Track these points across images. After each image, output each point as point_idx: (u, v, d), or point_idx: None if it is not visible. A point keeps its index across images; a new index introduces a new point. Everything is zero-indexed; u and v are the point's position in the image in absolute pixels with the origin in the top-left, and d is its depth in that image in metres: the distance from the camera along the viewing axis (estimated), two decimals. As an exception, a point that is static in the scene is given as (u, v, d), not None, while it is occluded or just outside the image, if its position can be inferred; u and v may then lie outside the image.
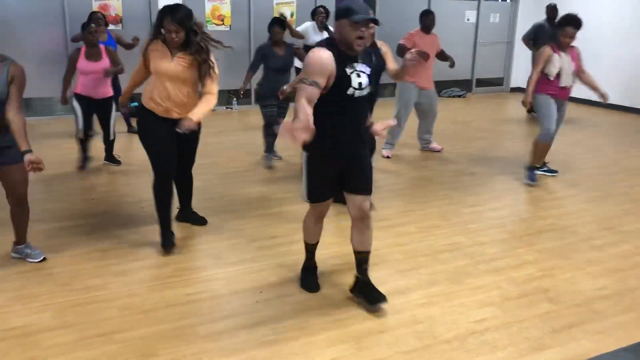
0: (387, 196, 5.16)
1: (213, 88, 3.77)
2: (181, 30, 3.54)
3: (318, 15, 7.65)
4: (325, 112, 2.84)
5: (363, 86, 2.91)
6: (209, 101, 3.77)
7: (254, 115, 9.08)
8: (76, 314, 3.13)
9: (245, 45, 9.30)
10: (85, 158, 5.81)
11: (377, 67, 3.33)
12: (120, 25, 8.29)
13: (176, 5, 3.60)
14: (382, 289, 3.23)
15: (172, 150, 3.83)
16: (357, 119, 3.01)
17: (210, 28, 9.02)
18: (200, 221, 4.39)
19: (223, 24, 9.14)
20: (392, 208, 4.86)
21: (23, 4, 7.87)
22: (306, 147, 2.95)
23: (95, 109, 5.65)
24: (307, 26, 7.81)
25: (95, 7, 8.13)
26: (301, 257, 3.54)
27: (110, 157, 5.98)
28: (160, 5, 8.32)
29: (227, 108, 9.44)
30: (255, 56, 5.87)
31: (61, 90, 5.73)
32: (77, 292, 3.37)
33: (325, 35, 7.59)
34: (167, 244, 3.90)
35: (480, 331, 3.05)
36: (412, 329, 3.06)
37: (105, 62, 5.55)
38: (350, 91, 2.86)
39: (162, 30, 3.60)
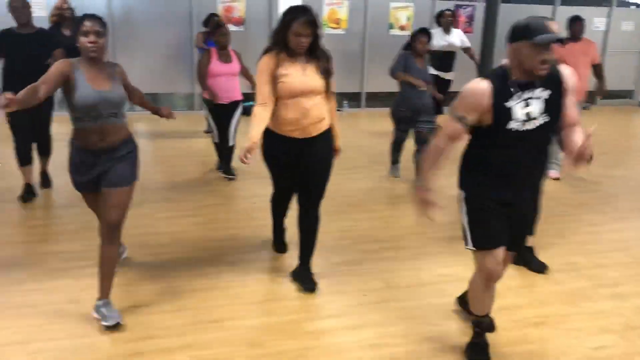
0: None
1: (333, 99, 3.44)
2: (312, 34, 3.15)
3: (444, 17, 7.42)
4: (484, 145, 2.55)
5: (533, 116, 2.46)
6: (335, 114, 3.46)
7: (364, 118, 9.18)
8: (191, 298, 3.31)
9: (359, 49, 9.36)
10: (226, 164, 5.63)
11: (557, 94, 2.56)
12: (242, 26, 8.65)
13: (305, 7, 3.20)
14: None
15: (295, 173, 3.41)
16: (524, 155, 2.53)
17: (326, 31, 9.17)
18: (308, 284, 3.48)
19: (339, 27, 9.26)
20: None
21: (153, 5, 8.46)
22: (463, 184, 2.67)
23: (222, 111, 5.45)
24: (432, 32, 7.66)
25: (219, 8, 8.56)
26: (410, 266, 3.51)
27: (227, 168, 5.62)
28: (283, 7, 8.64)
29: (337, 110, 9.53)
30: (399, 61, 5.48)
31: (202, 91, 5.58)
32: (192, 277, 3.56)
33: (453, 39, 7.41)
34: (279, 250, 3.98)
35: (598, 359, 2.86)
36: (522, 348, 2.93)
37: (235, 65, 5.42)
38: (512, 125, 2.45)
39: (288, 36, 3.13)
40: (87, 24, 2.82)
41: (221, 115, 5.47)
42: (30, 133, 4.85)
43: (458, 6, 9.53)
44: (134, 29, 8.41)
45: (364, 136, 7.75)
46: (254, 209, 4.74)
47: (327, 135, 3.39)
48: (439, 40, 7.27)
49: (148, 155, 6.38)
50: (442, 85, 7.20)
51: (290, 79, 3.15)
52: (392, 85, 5.97)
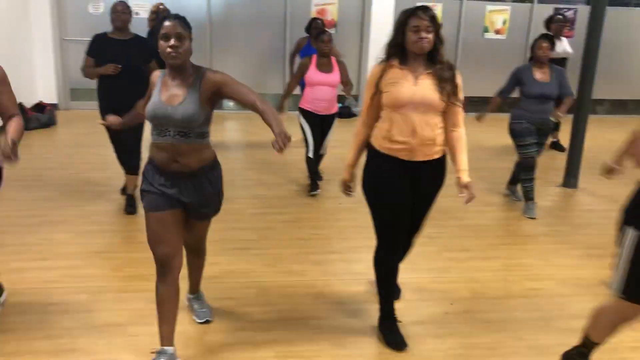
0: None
1: (460, 119, 2.83)
2: (432, 30, 2.69)
3: (556, 23, 6.83)
4: None
5: None
6: (462, 140, 2.87)
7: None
8: (278, 295, 3.38)
9: (452, 52, 9.19)
10: (315, 181, 5.22)
11: None
12: (334, 29, 8.73)
13: (423, 5, 2.79)
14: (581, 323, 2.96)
15: (406, 211, 2.90)
16: None
17: (487, 36, 9.02)
18: (398, 346, 2.96)
19: (499, 33, 9.10)
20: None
21: (250, 7, 8.70)
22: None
23: (318, 123, 5.15)
24: None
25: (313, 11, 8.68)
26: (499, 277, 3.41)
27: (314, 178, 5.29)
28: (376, 10, 8.65)
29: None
30: (508, 81, 4.95)
31: (282, 96, 5.36)
32: (280, 274, 3.64)
33: (563, 46, 6.94)
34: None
35: None
36: (620, 373, 2.76)
37: (335, 76, 5.08)
38: None
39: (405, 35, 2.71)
40: (167, 25, 2.43)
41: (317, 126, 5.16)
42: (130, 143, 4.56)
43: (558, 9, 9.12)
44: (230, 31, 8.70)
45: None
46: (339, 210, 4.78)
47: (440, 165, 2.88)
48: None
49: (240, 152, 6.60)
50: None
51: (396, 88, 2.72)
52: (484, 90, 5.81)
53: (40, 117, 7.38)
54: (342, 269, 3.77)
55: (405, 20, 2.71)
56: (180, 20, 2.48)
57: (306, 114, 5.14)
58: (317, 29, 6.19)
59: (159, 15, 5.53)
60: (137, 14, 8.17)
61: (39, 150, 6.36)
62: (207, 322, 3.06)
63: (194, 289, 3.14)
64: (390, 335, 2.96)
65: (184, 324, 3.03)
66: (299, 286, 3.50)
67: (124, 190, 4.81)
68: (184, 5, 8.45)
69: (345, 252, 4.02)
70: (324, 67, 5.07)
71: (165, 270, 2.57)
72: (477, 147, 6.22)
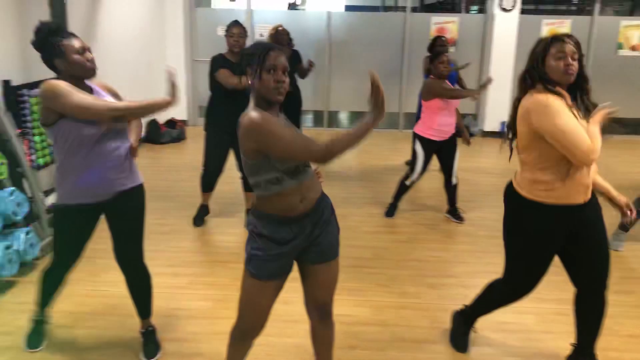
0: None
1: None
2: (577, 58, 2.43)
3: None
4: None
5: None
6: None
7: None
8: (392, 315, 3.36)
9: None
10: (394, 206, 5.11)
11: None
12: (453, 47, 8.60)
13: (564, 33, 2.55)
14: None
15: (553, 253, 2.71)
16: None
17: (621, 53, 8.64)
18: None
19: (635, 50, 8.64)
20: None
21: (368, 27, 8.82)
22: None
23: (438, 148, 4.81)
24: None
25: (433, 30, 8.61)
26: (637, 313, 3.13)
27: (453, 210, 4.97)
28: (499, 27, 8.40)
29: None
30: None
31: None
32: (394, 295, 3.61)
33: None
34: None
35: None
36: None
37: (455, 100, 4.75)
38: None
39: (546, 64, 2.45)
40: (273, 56, 2.12)
41: (436, 152, 4.83)
42: (222, 165, 4.69)
43: None
44: (349, 50, 8.86)
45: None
46: (458, 232, 4.66)
47: (595, 197, 2.63)
48: None
49: (353, 171, 6.66)
50: None
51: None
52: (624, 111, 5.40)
53: (172, 132, 7.95)
54: (459, 294, 3.66)
55: (543, 49, 2.46)
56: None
57: (423, 140, 4.81)
58: (441, 46, 6.01)
59: (277, 37, 5.65)
60: (261, 35, 8.61)
61: (170, 163, 6.84)
62: None
63: None
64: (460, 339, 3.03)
65: (299, 336, 3.09)
66: (414, 308, 3.45)
67: (200, 218, 4.81)
68: (304, 26, 8.76)
69: (462, 277, 3.91)
70: None
71: (248, 337, 2.47)
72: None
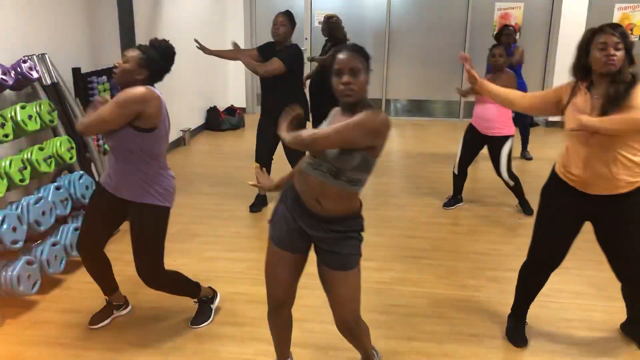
0: None
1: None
2: (622, 48, 2.43)
3: None
4: None
5: None
6: None
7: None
8: (450, 308, 3.30)
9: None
10: (454, 198, 5.02)
11: None
12: (518, 34, 8.31)
13: (613, 23, 2.55)
14: None
15: (568, 239, 2.80)
16: None
17: None
18: None
19: (632, 33, 8.28)
20: None
21: (429, 13, 8.64)
22: None
23: (479, 143, 4.80)
24: None
25: (496, 16, 8.36)
26: None
27: (524, 203, 4.81)
28: (566, 12, 8.08)
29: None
30: None
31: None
32: (453, 287, 3.55)
33: None
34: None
35: None
36: None
37: None
38: None
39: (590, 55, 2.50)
40: (341, 59, 2.12)
41: (477, 145, 4.81)
42: (271, 151, 4.81)
43: None
44: (408, 37, 8.72)
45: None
46: (518, 226, 4.53)
47: (633, 200, 2.57)
48: None
49: (413, 159, 6.56)
50: None
51: (568, 112, 2.59)
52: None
53: (231, 119, 8.07)
54: (520, 288, 3.56)
55: (589, 39, 2.50)
56: (357, 51, 2.15)
57: (469, 128, 4.83)
58: (508, 35, 5.98)
59: (329, 25, 5.77)
60: (319, 22, 8.59)
61: (229, 150, 6.95)
62: None
63: None
64: (512, 330, 3.02)
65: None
66: (474, 301, 3.38)
67: (256, 204, 4.88)
68: (364, 13, 8.68)
69: (523, 271, 3.80)
70: (497, 83, 4.58)
71: (276, 310, 2.52)
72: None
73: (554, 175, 2.76)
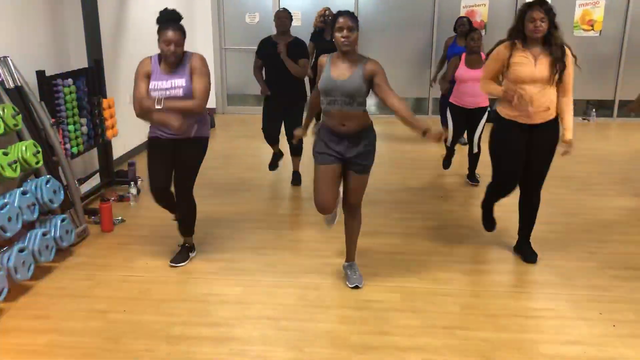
0: None
1: (569, 89, 3.57)
2: (546, 20, 3.39)
3: None
4: None
5: None
6: (570, 107, 3.63)
7: (616, 129, 8.28)
8: (423, 301, 3.35)
9: (615, 52, 8.48)
10: (448, 163, 5.84)
11: None
12: (483, 31, 8.45)
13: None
14: None
15: (518, 163, 3.68)
16: None
17: (577, 34, 8.50)
18: (530, 257, 3.86)
19: (592, 29, 8.49)
20: None
21: (397, 11, 8.70)
22: None
23: (466, 118, 5.44)
24: None
25: (462, 12, 8.47)
26: None
27: (472, 175, 5.59)
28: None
29: (583, 119, 8.77)
30: None
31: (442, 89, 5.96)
32: (425, 281, 3.59)
33: None
34: (490, 229, 4.15)
35: None
36: None
37: None
38: None
39: (523, 24, 3.46)
40: (341, 20, 3.10)
41: (465, 119, 5.45)
42: (278, 124, 5.33)
43: None
44: (378, 34, 8.77)
45: (614, 149, 7.00)
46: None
47: (553, 125, 3.62)
48: None
49: (383, 157, 6.61)
50: None
51: (519, 67, 3.50)
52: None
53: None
54: (490, 280, 3.63)
55: (523, 12, 3.47)
56: (351, 15, 3.12)
57: (453, 108, 5.50)
58: (462, 25, 6.67)
59: (325, 18, 6.69)
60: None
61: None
62: (356, 287, 3.48)
63: (350, 257, 3.62)
64: (486, 221, 4.13)
65: (333, 322, 3.12)
66: (445, 294, 3.43)
67: (274, 163, 5.66)
68: (333, 9, 8.69)
69: (493, 264, 3.88)
70: (474, 64, 5.30)
71: (324, 212, 3.43)
72: None
73: (502, 119, 3.66)
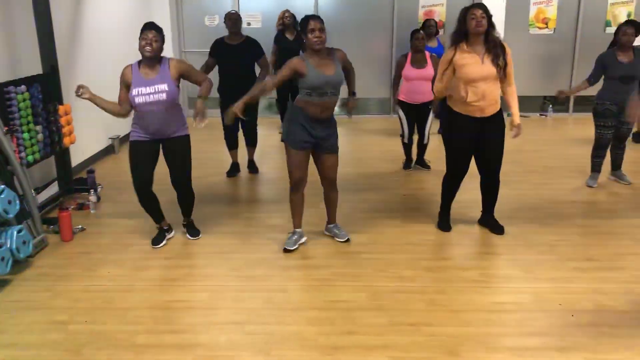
0: None
1: (512, 79, 3.98)
2: (486, 18, 3.77)
3: None
4: None
5: None
6: (515, 95, 4.06)
7: (571, 124, 8.51)
8: (390, 299, 3.37)
9: (568, 51, 8.71)
10: (409, 160, 6.09)
11: None
12: (442, 30, 8.57)
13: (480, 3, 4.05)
14: None
15: (470, 154, 4.11)
16: None
17: (532, 31, 8.71)
18: (497, 229, 4.28)
19: (547, 27, 8.71)
20: None
21: (356, 12, 8.76)
22: None
23: (416, 113, 5.82)
24: None
25: (420, 13, 8.58)
26: (627, 289, 3.17)
27: (421, 161, 6.07)
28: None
29: (541, 115, 8.98)
30: (596, 66, 5.21)
31: (391, 93, 6.19)
32: (391, 279, 3.62)
33: None
34: (446, 229, 4.37)
35: None
36: None
37: (429, 69, 5.65)
38: None
39: (465, 24, 3.82)
40: (312, 23, 3.60)
41: (415, 115, 5.83)
42: (237, 126, 5.63)
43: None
44: (337, 35, 8.79)
45: (569, 143, 7.18)
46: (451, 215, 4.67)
47: (500, 115, 4.02)
48: None
49: (348, 156, 6.65)
50: None
51: (468, 68, 3.84)
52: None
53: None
54: (454, 275, 3.68)
55: (465, 12, 3.82)
56: (319, 18, 3.66)
57: (403, 105, 5.85)
58: (430, 27, 7.19)
59: (284, 20, 7.10)
60: (248, 24, 8.55)
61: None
62: (348, 240, 4.13)
63: (332, 219, 4.25)
64: (441, 222, 4.40)
65: (300, 324, 3.11)
66: (411, 292, 3.46)
67: (234, 169, 5.93)
68: (293, 10, 8.68)
69: (457, 259, 3.93)
70: (418, 63, 5.68)
71: (298, 187, 3.95)
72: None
73: (454, 113, 4.01)
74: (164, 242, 4.16)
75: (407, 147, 6.05)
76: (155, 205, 4.16)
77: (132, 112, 3.93)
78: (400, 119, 5.92)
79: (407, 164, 6.09)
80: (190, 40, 8.82)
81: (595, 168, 5.44)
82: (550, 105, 8.93)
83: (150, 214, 4.17)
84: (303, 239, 4.10)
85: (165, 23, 8.56)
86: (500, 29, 8.47)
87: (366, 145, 7.13)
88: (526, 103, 9.21)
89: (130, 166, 3.98)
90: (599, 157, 5.39)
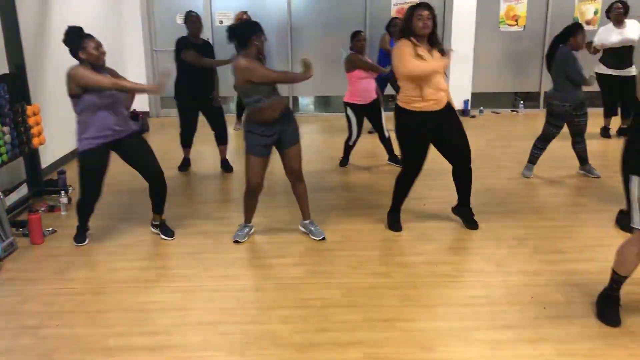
0: None
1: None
2: (431, 19, 3.84)
3: (614, 11, 6.80)
4: None
5: None
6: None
7: (542, 120, 8.62)
8: (363, 296, 3.39)
9: (538, 48, 8.85)
10: (346, 159, 6.15)
11: None
12: (414, 27, 8.61)
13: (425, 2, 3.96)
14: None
15: (427, 150, 4.16)
16: None
17: (502, 28, 8.82)
18: (471, 224, 4.34)
19: (517, 24, 8.83)
20: None
21: (328, 10, 8.78)
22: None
23: (366, 112, 5.84)
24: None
25: (393, 11, 8.63)
26: (596, 280, 3.24)
27: (393, 157, 6.00)
28: (457, 7, 8.51)
29: (512, 111, 9.11)
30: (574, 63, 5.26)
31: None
32: (365, 275, 3.64)
33: (628, 32, 6.71)
34: (396, 229, 4.35)
35: None
36: None
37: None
38: None
39: (412, 23, 3.86)
40: (260, 34, 3.86)
41: (366, 114, 5.86)
42: (194, 124, 5.87)
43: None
44: (310, 33, 8.81)
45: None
46: (423, 211, 4.71)
47: (450, 105, 4.09)
48: (613, 35, 6.73)
49: (319, 154, 6.66)
50: (626, 84, 6.62)
51: (425, 63, 3.89)
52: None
53: (134, 124, 7.78)
54: (427, 271, 3.71)
55: (411, 12, 3.87)
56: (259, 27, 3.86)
57: (354, 107, 5.84)
58: (395, 26, 6.94)
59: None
60: (221, 22, 8.50)
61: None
62: (323, 239, 4.12)
63: (306, 215, 4.23)
64: (393, 222, 4.37)
65: (274, 322, 3.10)
66: (385, 288, 3.48)
67: (185, 164, 6.08)
68: (266, 8, 8.66)
69: (430, 254, 3.97)
70: None
71: (254, 194, 4.06)
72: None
73: (406, 112, 4.02)
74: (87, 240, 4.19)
75: (350, 149, 6.08)
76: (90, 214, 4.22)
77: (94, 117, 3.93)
78: (350, 122, 5.88)
79: (344, 161, 6.13)
80: (161, 39, 8.73)
81: (533, 160, 5.62)
82: (522, 102, 9.07)
83: (87, 218, 4.19)
84: (252, 231, 4.23)
85: (135, 21, 8.48)
86: (471, 26, 8.69)
87: (339, 143, 7.13)
88: (497, 99, 9.36)
89: (87, 177, 4.06)
90: (539, 149, 5.58)
